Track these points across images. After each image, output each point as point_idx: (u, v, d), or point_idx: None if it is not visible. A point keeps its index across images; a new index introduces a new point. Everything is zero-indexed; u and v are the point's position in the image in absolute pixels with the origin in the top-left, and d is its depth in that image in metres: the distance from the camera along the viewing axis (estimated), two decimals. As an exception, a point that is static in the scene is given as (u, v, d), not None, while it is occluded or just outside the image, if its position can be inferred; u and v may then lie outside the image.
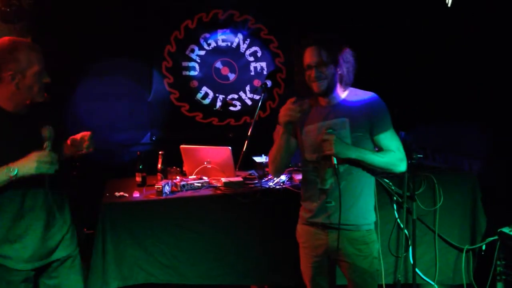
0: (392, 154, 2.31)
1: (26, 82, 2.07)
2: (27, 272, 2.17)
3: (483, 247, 3.20)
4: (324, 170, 2.32)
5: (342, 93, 2.37)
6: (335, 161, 2.23)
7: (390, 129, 2.33)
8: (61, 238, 2.27)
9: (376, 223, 2.43)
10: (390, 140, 2.32)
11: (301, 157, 2.46)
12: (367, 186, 2.38)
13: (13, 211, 2.11)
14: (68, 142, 2.35)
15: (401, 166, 2.32)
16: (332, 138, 2.23)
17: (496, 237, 3.12)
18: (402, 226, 3.08)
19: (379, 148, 2.36)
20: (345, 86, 2.35)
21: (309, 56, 2.32)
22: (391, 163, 2.31)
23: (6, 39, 2.08)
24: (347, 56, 2.34)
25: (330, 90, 2.32)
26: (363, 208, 2.35)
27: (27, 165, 1.99)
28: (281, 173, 2.87)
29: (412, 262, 3.05)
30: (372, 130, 2.31)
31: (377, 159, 2.29)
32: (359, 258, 2.33)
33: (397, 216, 3.10)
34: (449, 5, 3.84)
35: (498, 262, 3.10)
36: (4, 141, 2.03)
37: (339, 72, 2.32)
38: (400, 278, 3.12)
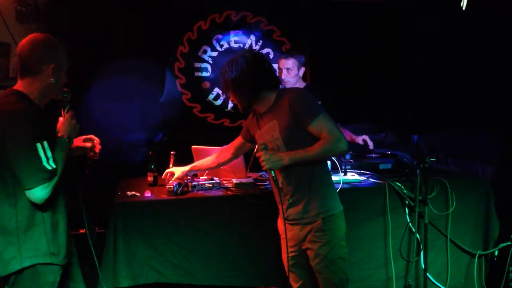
0: (325, 141, 2.34)
1: (61, 77, 2.16)
2: (62, 271, 2.19)
3: (496, 253, 3.17)
4: (278, 171, 2.47)
5: (271, 98, 2.49)
6: (272, 173, 2.40)
7: (317, 116, 2.35)
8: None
9: (335, 210, 2.48)
10: (320, 127, 2.35)
11: None
12: (317, 178, 2.46)
13: (53, 204, 2.13)
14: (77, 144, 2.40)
15: (339, 146, 2.34)
16: (262, 156, 2.36)
17: (509, 243, 3.09)
18: (413, 230, 3.06)
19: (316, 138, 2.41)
20: (254, 98, 2.48)
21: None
22: (328, 150, 2.36)
23: (43, 35, 2.15)
24: (234, 82, 2.45)
25: (249, 106, 2.56)
26: (318, 199, 2.45)
27: (73, 128, 2.18)
28: None
29: (423, 266, 3.03)
30: (301, 125, 2.37)
31: (312, 154, 2.36)
32: (317, 245, 2.44)
33: (409, 220, 3.08)
34: (463, 8, 3.81)
35: (511, 268, 3.07)
36: (47, 132, 2.09)
37: (237, 97, 2.51)
38: (411, 283, 3.10)
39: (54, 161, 2.03)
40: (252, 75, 2.43)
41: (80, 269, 2.41)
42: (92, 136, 2.45)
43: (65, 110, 2.19)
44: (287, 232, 2.51)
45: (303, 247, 2.52)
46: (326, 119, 2.37)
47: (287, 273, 2.63)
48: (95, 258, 2.42)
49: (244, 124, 2.83)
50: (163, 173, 3.30)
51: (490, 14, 3.80)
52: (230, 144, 2.93)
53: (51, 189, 2.02)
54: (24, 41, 2.12)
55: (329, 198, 2.49)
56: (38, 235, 2.08)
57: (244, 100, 2.52)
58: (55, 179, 2.03)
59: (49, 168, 2.00)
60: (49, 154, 2.01)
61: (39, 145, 1.98)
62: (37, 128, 2.01)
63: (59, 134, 2.13)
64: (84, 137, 2.43)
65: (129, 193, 3.00)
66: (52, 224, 2.12)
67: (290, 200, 2.48)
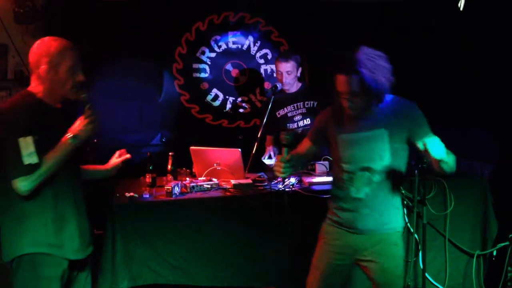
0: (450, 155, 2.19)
1: (59, 77, 2.23)
2: (65, 268, 2.25)
3: (494, 253, 3.17)
4: (359, 179, 2.32)
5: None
6: (285, 152, 2.29)
7: (432, 133, 2.29)
8: (90, 233, 2.41)
9: (403, 225, 2.44)
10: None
11: (334, 164, 2.47)
12: (398, 192, 2.40)
13: (59, 198, 2.22)
14: (107, 166, 2.64)
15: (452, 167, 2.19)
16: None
17: (507, 243, 3.10)
18: (412, 230, 3.07)
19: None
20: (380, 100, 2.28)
21: (340, 84, 2.22)
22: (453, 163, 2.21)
23: (46, 38, 2.27)
24: (380, 78, 2.19)
25: (364, 111, 2.28)
26: (395, 212, 2.38)
27: (84, 129, 2.20)
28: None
29: (422, 266, 3.03)
30: (412, 139, 2.28)
31: (450, 158, 2.14)
32: (388, 259, 2.36)
33: (407, 220, 3.08)
34: (461, 8, 3.82)
35: (509, 268, 3.09)
36: (45, 132, 2.15)
37: (372, 98, 2.23)
38: (409, 283, 3.10)
39: (38, 157, 2.10)
40: (389, 76, 2.24)
41: (90, 280, 2.48)
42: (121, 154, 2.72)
43: (84, 111, 2.25)
44: (340, 239, 2.42)
45: (358, 257, 2.41)
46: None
47: (316, 280, 2.51)
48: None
49: (314, 126, 2.59)
50: (161, 174, 3.30)
51: (489, 14, 3.81)
52: (298, 149, 2.62)
53: (31, 182, 2.10)
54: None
55: (401, 213, 2.44)
56: (38, 226, 2.18)
57: (370, 102, 2.24)
58: (36, 173, 2.10)
59: (27, 162, 2.08)
60: (31, 149, 2.08)
61: (21, 140, 2.07)
62: (26, 123, 2.11)
63: (68, 134, 2.20)
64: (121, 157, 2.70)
65: (127, 194, 2.99)
66: (55, 217, 2.21)
67: (367, 211, 2.34)
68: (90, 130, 2.22)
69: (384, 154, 2.29)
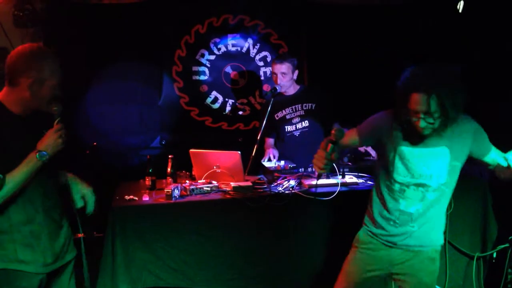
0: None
1: (42, 92, 2.10)
2: (43, 277, 2.18)
3: (494, 255, 3.17)
4: (412, 194, 2.30)
5: None
6: (331, 148, 2.17)
7: (491, 144, 2.30)
8: (69, 240, 2.33)
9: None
10: (495, 155, 2.31)
11: (383, 172, 2.38)
12: (444, 209, 2.38)
13: (28, 213, 2.13)
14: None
15: None
16: None
17: (507, 245, 3.09)
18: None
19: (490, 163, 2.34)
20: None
21: (416, 103, 2.09)
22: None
23: (34, 46, 2.13)
24: (457, 99, 2.09)
25: (436, 131, 2.17)
26: (439, 228, 2.38)
27: (52, 144, 2.08)
28: None
29: (422, 269, 3.03)
30: (475, 155, 2.29)
31: None
32: (423, 273, 2.34)
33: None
34: (460, 11, 3.83)
35: (510, 270, 3.08)
36: (11, 143, 2.05)
37: (448, 119, 2.12)
38: (409, 285, 3.09)
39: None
40: (465, 96, 2.13)
41: (74, 281, 2.40)
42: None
43: (54, 124, 2.13)
44: (375, 250, 2.40)
45: (392, 271, 2.40)
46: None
47: (347, 284, 2.47)
48: (84, 264, 2.44)
49: (368, 124, 2.44)
50: (161, 176, 3.30)
51: (488, 15, 3.82)
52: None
53: None
54: (14, 51, 2.12)
55: (442, 231, 2.42)
56: (6, 242, 2.10)
57: (445, 123, 2.13)
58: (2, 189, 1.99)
59: None
60: None
61: None
62: None
63: (35, 149, 2.07)
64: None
65: (127, 197, 3.00)
66: (24, 233, 2.12)
67: (413, 227, 2.31)
68: (58, 145, 2.10)
69: (442, 171, 2.25)
